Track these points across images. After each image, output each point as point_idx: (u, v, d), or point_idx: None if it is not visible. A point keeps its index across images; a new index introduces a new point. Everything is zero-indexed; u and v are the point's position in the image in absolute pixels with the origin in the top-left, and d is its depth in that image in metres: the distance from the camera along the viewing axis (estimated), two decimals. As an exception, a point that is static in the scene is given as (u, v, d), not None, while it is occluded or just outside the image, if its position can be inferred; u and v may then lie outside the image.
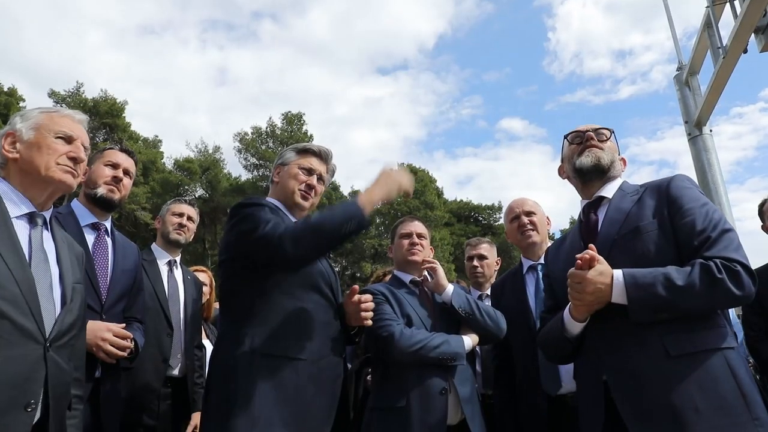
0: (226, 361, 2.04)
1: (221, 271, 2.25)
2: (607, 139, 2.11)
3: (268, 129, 35.28)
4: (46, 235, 1.75)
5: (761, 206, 3.51)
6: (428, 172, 38.73)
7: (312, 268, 2.21)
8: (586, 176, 2.06)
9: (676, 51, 6.06)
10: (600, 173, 2.04)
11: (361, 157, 65.17)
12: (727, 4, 4.79)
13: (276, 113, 38.29)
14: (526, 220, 2.91)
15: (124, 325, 2.36)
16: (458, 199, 44.68)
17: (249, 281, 2.12)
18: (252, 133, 35.32)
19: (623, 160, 2.15)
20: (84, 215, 2.51)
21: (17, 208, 1.67)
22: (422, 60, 74.55)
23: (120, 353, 2.26)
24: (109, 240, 2.54)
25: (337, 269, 2.52)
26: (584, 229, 2.03)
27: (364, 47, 72.63)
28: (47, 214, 1.78)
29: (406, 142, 69.91)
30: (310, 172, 2.42)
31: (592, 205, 2.05)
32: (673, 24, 6.01)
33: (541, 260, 2.79)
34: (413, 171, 37.31)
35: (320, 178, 2.47)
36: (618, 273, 1.68)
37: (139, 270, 2.72)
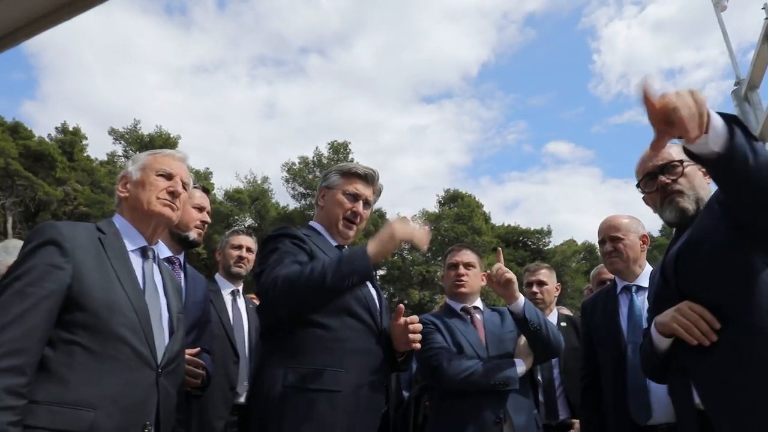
0: (263, 396, 1.97)
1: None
2: (683, 172, 1.89)
3: (315, 158, 35.90)
4: (155, 268, 1.89)
5: None
6: (475, 198, 38.40)
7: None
8: (678, 227, 1.92)
9: (732, 66, 5.89)
10: (690, 219, 1.84)
11: (408, 184, 65.37)
12: (788, 16, 4.62)
13: (322, 144, 38.94)
14: (610, 247, 2.65)
15: (197, 350, 2.43)
16: (506, 224, 44.03)
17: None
18: (299, 163, 36.04)
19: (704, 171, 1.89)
20: (161, 249, 2.59)
21: (132, 242, 1.84)
22: (466, 87, 74.56)
23: (194, 381, 2.32)
24: (182, 273, 2.64)
25: (384, 296, 2.44)
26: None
27: (409, 77, 73.40)
28: (156, 248, 1.94)
29: (452, 169, 69.65)
30: (355, 198, 2.29)
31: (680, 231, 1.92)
32: (729, 38, 5.86)
33: (637, 282, 2.60)
34: (459, 196, 37.15)
35: (366, 203, 2.33)
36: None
37: (208, 302, 2.81)
